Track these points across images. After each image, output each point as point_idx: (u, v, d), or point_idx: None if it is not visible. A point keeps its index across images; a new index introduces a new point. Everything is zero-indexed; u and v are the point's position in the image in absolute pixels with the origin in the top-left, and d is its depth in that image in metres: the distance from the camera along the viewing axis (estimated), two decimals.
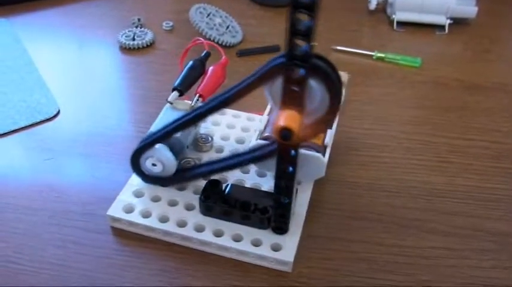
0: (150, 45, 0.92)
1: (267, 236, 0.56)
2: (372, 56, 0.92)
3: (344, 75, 0.67)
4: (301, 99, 0.46)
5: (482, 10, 0.99)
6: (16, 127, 0.72)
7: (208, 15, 0.92)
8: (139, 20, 0.95)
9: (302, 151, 0.55)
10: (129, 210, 0.59)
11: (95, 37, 0.94)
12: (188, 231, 0.57)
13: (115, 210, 0.59)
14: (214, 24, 0.91)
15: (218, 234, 0.57)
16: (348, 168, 0.67)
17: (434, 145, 0.72)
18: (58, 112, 0.76)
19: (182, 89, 0.64)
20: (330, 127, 0.63)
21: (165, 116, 0.63)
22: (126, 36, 0.91)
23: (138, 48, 0.90)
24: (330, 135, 0.62)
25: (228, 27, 0.92)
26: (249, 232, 0.56)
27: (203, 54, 0.70)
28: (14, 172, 0.66)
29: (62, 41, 0.93)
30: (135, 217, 0.58)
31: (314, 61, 0.44)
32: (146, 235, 0.58)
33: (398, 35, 1.00)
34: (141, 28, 0.94)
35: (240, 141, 0.69)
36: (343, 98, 0.61)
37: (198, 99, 0.64)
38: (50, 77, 0.82)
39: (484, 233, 0.60)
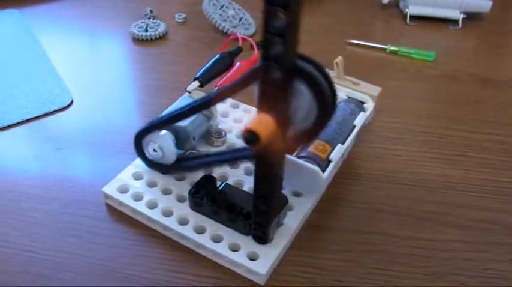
0: (162, 37, 0.92)
1: (247, 243, 0.54)
2: (385, 49, 0.91)
3: (375, 89, 0.68)
4: (277, 103, 0.42)
5: (496, 4, 0.99)
6: (29, 117, 0.72)
7: (222, 7, 0.92)
8: (151, 11, 0.95)
9: (298, 161, 0.55)
10: (124, 190, 0.60)
11: (107, 28, 0.94)
12: (170, 222, 0.57)
13: (110, 188, 0.60)
14: (228, 17, 0.91)
15: (199, 231, 0.56)
16: (364, 160, 0.67)
17: (449, 138, 0.72)
18: (71, 102, 0.75)
19: (203, 81, 0.64)
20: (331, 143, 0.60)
21: (179, 105, 0.62)
22: (139, 28, 0.91)
23: (151, 39, 0.90)
24: (338, 151, 0.59)
25: (241, 19, 0.92)
26: (230, 235, 0.55)
27: (234, 48, 0.69)
28: (28, 162, 0.66)
29: (74, 32, 0.93)
30: (126, 198, 0.59)
31: (296, 63, 0.41)
32: (133, 217, 0.59)
33: (411, 29, 0.99)
34: (153, 20, 0.93)
35: None
36: (369, 113, 0.63)
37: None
38: (62, 68, 0.82)
39: (500, 226, 0.60)
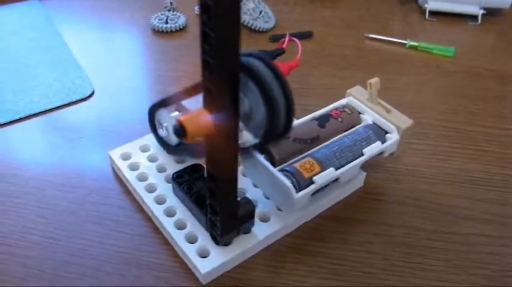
0: (182, 29, 0.92)
1: (205, 239, 0.53)
2: (404, 44, 0.91)
3: (406, 122, 0.60)
4: (212, 98, 0.40)
5: None
6: (52, 106, 0.73)
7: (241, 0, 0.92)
8: (171, 3, 0.95)
9: (275, 173, 0.52)
10: (126, 158, 0.62)
11: (127, 20, 0.94)
12: (148, 198, 0.58)
13: (115, 153, 0.63)
14: (248, 9, 0.91)
15: (169, 214, 0.56)
16: None
17: (470, 133, 0.72)
18: (92, 92, 0.76)
19: None
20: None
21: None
22: (159, 20, 0.91)
23: (171, 31, 0.90)
24: (326, 175, 0.53)
25: (260, 12, 0.92)
26: (194, 227, 0.55)
27: (276, 49, 0.69)
28: (52, 150, 0.66)
29: (95, 23, 0.93)
30: (124, 165, 0.62)
31: (237, 58, 0.39)
32: (125, 184, 0.61)
33: (430, 24, 0.99)
34: (173, 12, 0.94)
35: None
36: (388, 145, 0.58)
37: None
38: (83, 59, 0.83)
39: None
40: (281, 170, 0.53)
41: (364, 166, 0.59)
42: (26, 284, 0.51)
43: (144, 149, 0.64)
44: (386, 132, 0.59)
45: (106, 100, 0.75)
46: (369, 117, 0.61)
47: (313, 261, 0.54)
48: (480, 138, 0.71)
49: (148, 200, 0.58)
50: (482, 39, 0.95)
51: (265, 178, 0.54)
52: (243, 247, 0.53)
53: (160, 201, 0.58)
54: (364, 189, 0.62)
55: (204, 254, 0.52)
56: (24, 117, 0.71)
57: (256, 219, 0.55)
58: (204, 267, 0.51)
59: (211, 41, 0.37)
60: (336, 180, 0.55)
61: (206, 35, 0.37)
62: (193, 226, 0.55)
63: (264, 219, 0.56)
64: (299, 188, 0.52)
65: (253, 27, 0.90)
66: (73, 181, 0.62)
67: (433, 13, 1.00)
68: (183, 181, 0.57)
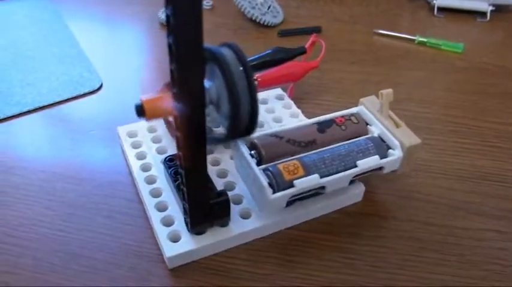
0: None
1: (181, 224, 0.53)
2: (413, 40, 0.91)
3: (413, 140, 0.56)
4: (174, 81, 0.41)
5: None
6: (60, 99, 0.73)
7: None
8: None
9: (254, 170, 0.51)
10: (131, 135, 0.65)
11: (135, 14, 0.94)
12: (140, 177, 0.59)
13: (123, 130, 0.66)
14: (256, 4, 0.91)
15: (155, 195, 0.57)
16: None
17: (479, 129, 0.71)
18: (101, 85, 0.76)
19: None
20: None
21: None
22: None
23: None
24: (309, 181, 0.51)
25: (269, 7, 0.92)
26: (175, 211, 0.55)
27: (297, 47, 0.69)
28: (60, 143, 0.66)
29: (102, 16, 0.93)
30: (127, 143, 0.64)
31: (196, 44, 0.39)
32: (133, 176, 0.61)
33: (438, 20, 0.99)
34: None
35: None
36: (388, 161, 0.54)
37: None
38: (91, 52, 0.83)
39: None
40: (264, 169, 0.52)
41: (364, 180, 0.58)
42: (36, 277, 0.51)
43: (151, 129, 0.66)
44: (390, 148, 0.56)
45: (114, 93, 0.74)
46: (375, 129, 0.58)
47: (325, 255, 0.54)
48: (490, 134, 0.71)
49: (139, 178, 0.59)
50: (491, 36, 0.95)
51: (248, 174, 0.53)
52: (214, 238, 0.53)
53: (150, 181, 0.59)
54: (373, 183, 0.62)
55: (175, 239, 0.52)
56: (33, 110, 0.71)
57: (236, 215, 0.55)
58: (169, 251, 0.51)
59: (172, 27, 0.37)
60: (324, 189, 0.53)
61: (168, 18, 0.38)
62: (174, 210, 0.55)
63: (245, 216, 0.55)
64: (277, 190, 0.50)
65: (261, 22, 0.89)
66: (82, 174, 0.62)
67: (442, 9, 1.00)
68: (172, 165, 0.56)
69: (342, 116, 0.58)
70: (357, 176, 0.54)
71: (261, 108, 0.69)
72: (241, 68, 0.44)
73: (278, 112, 0.69)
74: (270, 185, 0.50)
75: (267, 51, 0.69)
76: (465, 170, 0.65)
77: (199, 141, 0.45)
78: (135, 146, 0.63)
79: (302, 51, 0.71)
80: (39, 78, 0.76)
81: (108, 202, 0.59)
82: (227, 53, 0.45)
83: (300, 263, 0.53)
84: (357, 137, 0.57)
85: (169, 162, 0.57)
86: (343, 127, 0.57)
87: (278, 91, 0.72)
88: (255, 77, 0.65)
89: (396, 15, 1.00)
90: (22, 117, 0.70)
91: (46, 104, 0.71)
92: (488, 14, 0.98)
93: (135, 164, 0.61)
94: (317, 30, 0.91)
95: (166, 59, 0.41)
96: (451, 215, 0.59)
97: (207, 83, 0.45)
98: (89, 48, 0.83)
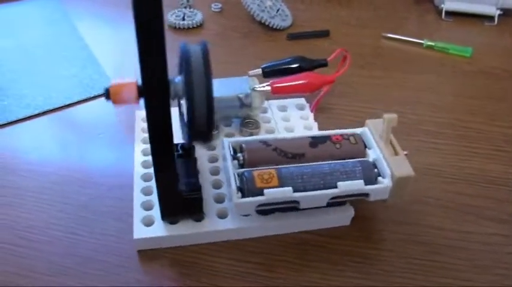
0: (199, 26, 0.92)
1: (159, 212, 0.54)
2: (421, 44, 0.91)
3: (406, 171, 0.53)
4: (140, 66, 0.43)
5: None
6: (70, 102, 0.73)
7: None
8: (187, 0, 0.95)
9: (230, 170, 0.52)
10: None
11: None
12: (138, 161, 0.61)
13: (140, 114, 0.68)
14: (265, 7, 0.91)
15: (145, 179, 0.59)
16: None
17: (488, 133, 0.71)
18: None
19: (266, 72, 0.68)
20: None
21: (227, 80, 0.65)
22: (176, 16, 0.91)
23: (188, 28, 0.91)
24: (279, 193, 0.50)
25: (278, 10, 0.92)
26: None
27: (319, 58, 0.69)
28: (71, 146, 0.66)
29: (111, 18, 0.93)
30: (138, 127, 0.66)
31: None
32: None
33: (446, 24, 0.99)
34: (190, 9, 0.94)
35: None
36: (373, 189, 0.52)
37: (264, 86, 0.64)
38: (100, 54, 0.83)
39: None
40: (241, 173, 0.52)
41: (355, 204, 0.57)
42: (48, 279, 0.51)
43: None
44: (379, 175, 0.53)
45: None
46: (372, 154, 0.55)
47: (335, 259, 0.54)
48: (499, 139, 0.71)
49: (137, 162, 0.60)
50: (499, 40, 0.95)
51: (226, 174, 0.54)
52: (185, 231, 0.53)
53: (146, 166, 0.60)
54: None
55: (148, 223, 0.54)
56: (43, 113, 0.71)
57: (214, 213, 0.55)
58: (137, 233, 0.53)
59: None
60: (298, 204, 0.51)
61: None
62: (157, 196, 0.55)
63: (222, 215, 0.55)
64: (246, 195, 0.50)
65: (270, 25, 0.90)
66: (93, 177, 0.62)
67: (449, 13, 1.00)
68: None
69: (341, 135, 0.57)
70: (339, 197, 0.52)
71: (277, 115, 0.69)
72: (202, 67, 0.44)
73: (293, 121, 0.68)
74: (240, 189, 0.51)
75: (287, 59, 0.69)
76: (475, 175, 0.65)
77: (162, 132, 0.46)
78: (145, 130, 0.64)
79: (323, 64, 0.70)
80: (49, 80, 0.77)
81: (121, 205, 0.59)
82: (195, 50, 0.45)
83: (311, 267, 0.53)
84: (350, 158, 0.55)
85: None
86: (337, 145, 0.55)
87: (300, 101, 0.72)
88: (268, 83, 0.65)
89: (404, 19, 1.00)
90: (33, 119, 0.70)
91: (56, 106, 0.72)
92: (496, 18, 0.98)
93: (138, 148, 0.62)
94: (325, 33, 0.91)
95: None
96: (461, 219, 0.59)
97: (177, 78, 0.46)
98: (98, 51, 0.83)
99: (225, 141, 0.55)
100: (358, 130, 0.58)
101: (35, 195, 0.60)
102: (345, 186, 0.51)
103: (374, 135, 0.56)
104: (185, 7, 0.94)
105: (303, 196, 0.50)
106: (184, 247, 0.55)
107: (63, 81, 0.77)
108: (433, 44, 0.90)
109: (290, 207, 0.52)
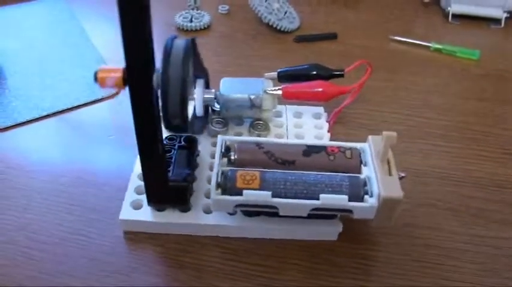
0: (206, 28, 0.92)
1: None
2: (428, 47, 0.91)
3: (395, 192, 0.49)
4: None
5: None
6: (78, 103, 0.73)
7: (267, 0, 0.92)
8: (195, 2, 0.95)
9: (215, 167, 0.52)
10: None
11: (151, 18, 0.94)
12: None
13: None
14: (273, 9, 0.91)
15: None
16: (412, 156, 0.67)
17: (496, 136, 0.71)
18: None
19: (281, 76, 0.68)
20: None
21: (243, 80, 0.66)
22: (183, 18, 0.91)
23: (196, 30, 0.91)
24: (255, 195, 0.50)
25: (285, 12, 0.92)
26: None
27: (337, 68, 0.69)
28: (79, 148, 0.66)
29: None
30: None
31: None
32: None
33: (453, 27, 0.99)
34: (197, 10, 0.94)
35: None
36: (356, 206, 0.50)
37: (275, 90, 0.65)
38: (108, 55, 0.83)
39: None
40: (227, 170, 0.52)
41: (345, 221, 0.55)
42: (57, 282, 0.51)
43: None
44: (366, 194, 0.51)
45: None
46: (366, 171, 0.53)
47: (343, 261, 0.54)
48: (507, 141, 0.71)
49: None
50: (506, 43, 0.95)
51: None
52: (168, 219, 0.55)
53: None
54: None
55: (136, 207, 0.56)
56: (51, 114, 0.71)
57: (200, 206, 0.56)
58: (124, 214, 0.55)
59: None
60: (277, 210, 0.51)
61: None
62: None
63: (208, 210, 0.56)
64: (227, 193, 0.50)
65: (278, 28, 0.90)
66: (102, 179, 0.62)
67: (456, 16, 1.00)
68: (169, 144, 0.59)
69: (338, 147, 0.55)
70: (323, 210, 0.50)
71: (291, 121, 0.69)
72: (179, 61, 0.46)
73: (305, 129, 0.68)
74: (220, 186, 0.51)
75: (304, 65, 0.69)
76: (483, 178, 0.65)
77: (145, 120, 0.47)
78: None
79: (340, 74, 0.69)
80: (57, 81, 0.77)
81: None
82: (178, 44, 0.47)
83: (320, 270, 0.53)
84: (342, 172, 0.53)
85: (168, 140, 0.60)
86: (331, 157, 0.54)
87: (318, 109, 0.71)
88: (280, 87, 0.65)
89: (411, 22, 1.00)
90: (41, 121, 0.70)
91: (65, 108, 0.72)
92: (503, 21, 0.98)
93: None
94: (333, 36, 0.91)
95: None
96: (471, 223, 0.59)
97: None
98: (106, 52, 0.84)
99: (220, 138, 0.55)
100: (357, 145, 0.55)
101: (44, 197, 0.60)
102: (327, 199, 0.49)
103: (373, 152, 0.53)
104: (192, 9, 0.94)
105: (282, 203, 0.49)
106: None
107: (71, 83, 0.77)
108: (440, 47, 0.90)
109: (268, 212, 0.52)
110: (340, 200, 0.49)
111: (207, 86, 0.65)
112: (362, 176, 0.52)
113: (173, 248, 0.55)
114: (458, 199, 0.61)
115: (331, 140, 0.66)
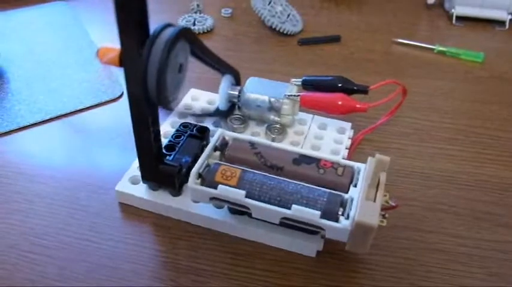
0: (209, 31, 0.92)
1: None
2: (432, 49, 0.90)
3: (370, 219, 0.46)
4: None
5: None
6: (82, 107, 0.73)
7: (270, 2, 0.92)
8: (198, 5, 0.95)
9: (202, 157, 0.53)
10: None
11: (154, 21, 0.94)
12: None
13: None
14: (276, 12, 0.91)
15: None
16: (417, 159, 0.66)
17: (502, 139, 0.71)
18: (122, 93, 0.76)
19: (304, 83, 0.68)
20: None
21: (269, 82, 0.68)
22: (186, 21, 0.91)
23: (199, 33, 0.90)
24: (232, 193, 0.50)
25: (288, 15, 0.92)
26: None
27: (362, 84, 0.67)
28: (83, 151, 0.66)
29: None
30: None
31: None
32: None
33: (457, 29, 0.99)
34: (200, 14, 0.94)
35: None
36: (328, 225, 0.48)
37: (292, 96, 0.65)
38: None
39: None
40: (212, 163, 0.53)
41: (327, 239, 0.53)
42: (60, 286, 0.51)
43: (194, 98, 0.74)
44: (342, 215, 0.49)
45: None
46: (352, 192, 0.50)
47: (348, 266, 0.54)
48: None
49: None
50: (511, 45, 0.95)
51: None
52: (158, 199, 0.57)
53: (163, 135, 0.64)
54: (394, 193, 0.61)
55: (133, 182, 0.59)
56: (55, 118, 0.71)
57: (189, 194, 0.55)
58: (120, 186, 0.59)
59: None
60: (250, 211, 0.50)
61: None
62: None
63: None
64: (204, 185, 0.51)
65: (281, 30, 0.90)
66: (106, 183, 0.61)
67: (460, 18, 1.00)
68: (180, 131, 0.61)
69: (332, 162, 0.53)
70: (294, 221, 0.49)
71: (313, 130, 0.68)
72: (162, 46, 0.47)
73: (324, 141, 0.67)
74: (201, 176, 0.52)
75: (329, 77, 0.68)
76: (489, 181, 0.64)
77: (137, 100, 0.50)
78: None
79: (364, 91, 0.67)
80: (61, 85, 0.77)
81: (134, 211, 0.59)
82: (167, 31, 0.49)
83: (324, 275, 0.53)
84: (331, 189, 0.51)
85: (181, 126, 0.63)
86: (321, 171, 0.52)
87: (344, 125, 0.69)
88: (299, 94, 0.64)
89: (414, 24, 1.00)
90: (45, 124, 0.70)
91: (68, 111, 0.72)
92: (507, 23, 0.98)
93: None
94: (337, 39, 0.91)
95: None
96: (476, 227, 0.58)
97: None
98: None
99: (219, 131, 0.57)
100: (354, 164, 0.54)
101: (48, 201, 0.59)
102: (298, 211, 0.48)
103: (366, 173, 0.51)
104: (195, 12, 0.94)
105: (254, 205, 0.49)
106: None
107: (74, 87, 0.76)
108: (444, 49, 0.90)
109: (243, 212, 0.52)
110: (310, 214, 0.48)
111: (237, 83, 0.67)
112: (346, 196, 0.50)
113: (180, 254, 0.54)
114: (464, 203, 0.61)
115: (352, 159, 0.62)
